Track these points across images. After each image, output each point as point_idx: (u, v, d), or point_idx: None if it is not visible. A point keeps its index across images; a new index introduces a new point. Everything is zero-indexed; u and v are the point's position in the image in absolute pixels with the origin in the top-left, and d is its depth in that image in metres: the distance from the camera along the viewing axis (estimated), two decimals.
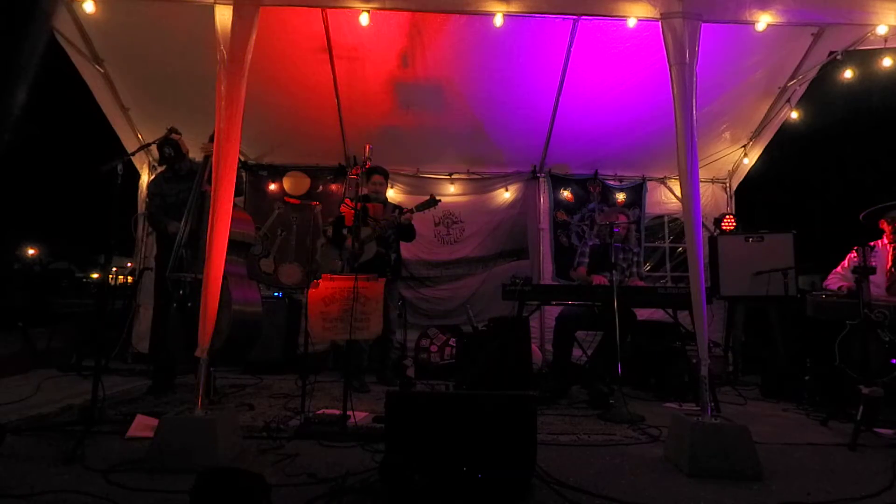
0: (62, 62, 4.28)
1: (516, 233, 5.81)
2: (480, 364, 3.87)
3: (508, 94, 4.94)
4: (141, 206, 5.36)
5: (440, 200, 4.30)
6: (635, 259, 4.25)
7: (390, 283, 4.33)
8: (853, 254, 3.75)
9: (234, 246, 3.16)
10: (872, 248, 3.74)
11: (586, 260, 4.22)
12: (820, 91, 4.78)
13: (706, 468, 2.29)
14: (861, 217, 3.87)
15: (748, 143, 5.49)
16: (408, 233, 4.41)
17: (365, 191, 4.32)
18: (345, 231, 4.09)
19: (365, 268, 4.07)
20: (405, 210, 4.27)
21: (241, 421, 2.93)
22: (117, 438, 2.62)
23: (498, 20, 3.04)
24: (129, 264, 5.83)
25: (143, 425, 2.70)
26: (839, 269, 3.94)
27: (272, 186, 5.76)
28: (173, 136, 3.59)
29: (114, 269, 5.54)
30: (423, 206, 4.21)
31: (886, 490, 2.19)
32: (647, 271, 5.64)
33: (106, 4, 3.71)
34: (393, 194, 5.46)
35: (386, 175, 4.52)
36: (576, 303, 4.02)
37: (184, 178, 3.74)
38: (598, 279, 3.96)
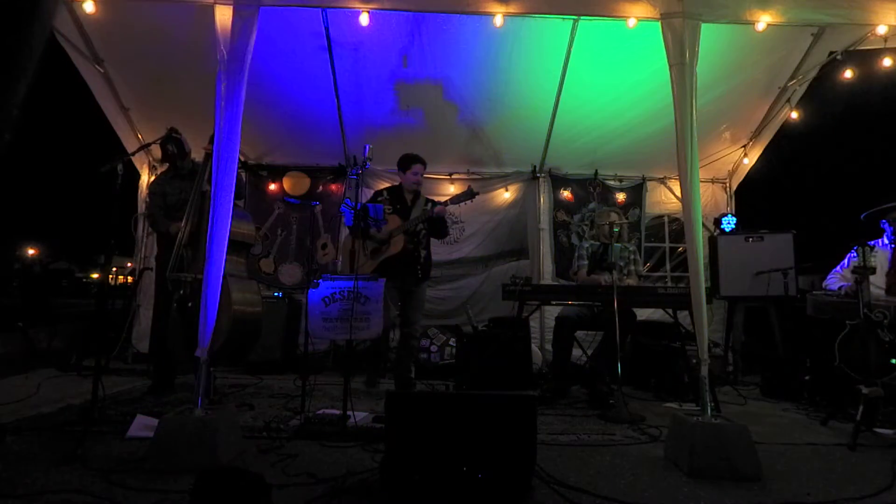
0: (62, 62, 4.27)
1: (516, 233, 5.80)
2: (480, 364, 3.87)
3: (508, 94, 4.93)
4: (141, 206, 5.36)
5: (478, 193, 3.98)
6: (632, 257, 4.25)
7: (419, 282, 4.04)
8: (853, 254, 3.74)
9: (234, 246, 3.16)
10: (872, 248, 3.74)
11: (584, 262, 4.22)
12: (820, 91, 4.77)
13: (706, 468, 2.29)
14: (862, 217, 3.87)
15: (748, 143, 5.49)
16: (440, 228, 4.08)
17: (400, 182, 4.13)
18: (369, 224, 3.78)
19: (391, 263, 3.83)
20: (437, 202, 3.95)
21: (241, 421, 2.93)
22: (117, 438, 2.62)
23: (498, 20, 3.04)
24: (129, 264, 5.83)
25: (143, 425, 2.70)
26: (838, 268, 3.94)
27: (272, 186, 5.75)
28: (174, 135, 3.60)
29: (114, 269, 5.54)
30: (459, 199, 3.89)
31: (886, 490, 2.19)
32: (647, 271, 5.64)
33: (106, 4, 3.70)
34: None
35: (425, 164, 4.16)
36: (576, 303, 4.02)
37: (185, 178, 3.75)
38: (605, 280, 3.96)
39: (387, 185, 4.77)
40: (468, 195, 3.90)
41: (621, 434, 3.00)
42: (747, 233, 4.97)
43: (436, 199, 4.20)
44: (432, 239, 4.21)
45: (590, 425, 3.19)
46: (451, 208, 5.70)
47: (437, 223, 4.05)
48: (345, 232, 5.36)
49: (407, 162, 4.09)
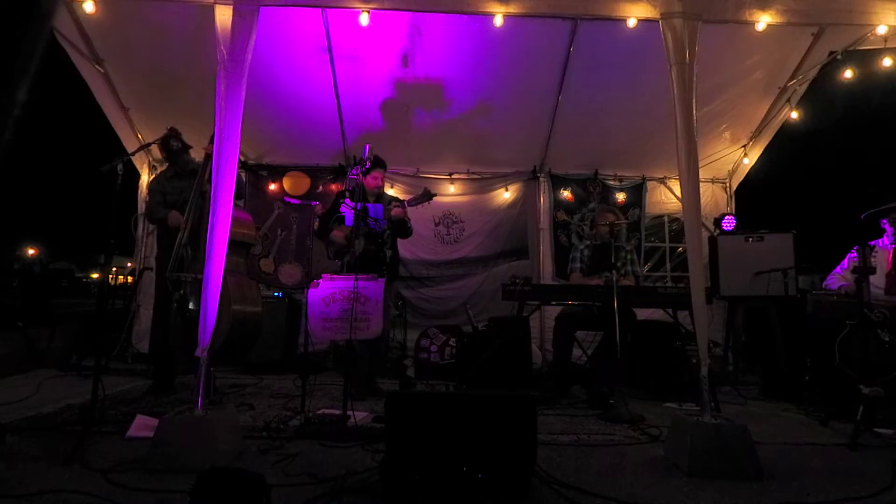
0: (62, 62, 4.27)
1: (516, 233, 5.81)
2: (480, 364, 3.87)
3: (508, 94, 4.94)
4: (141, 206, 5.36)
5: (435, 195, 3.94)
6: (629, 258, 4.24)
7: (387, 282, 3.92)
8: (853, 254, 3.74)
9: (235, 246, 3.17)
10: (873, 248, 3.74)
11: (577, 265, 4.21)
12: (820, 91, 4.77)
13: (706, 468, 2.29)
14: (863, 217, 3.87)
15: (748, 143, 5.49)
16: (402, 229, 3.99)
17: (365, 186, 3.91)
18: (333, 225, 3.85)
19: (355, 265, 3.68)
20: (395, 204, 3.89)
21: (241, 421, 2.93)
22: (117, 438, 2.62)
23: (498, 20, 3.04)
24: (129, 264, 5.83)
25: (143, 425, 2.71)
26: (838, 269, 3.94)
27: (272, 186, 5.76)
28: (174, 135, 3.61)
29: (114, 269, 5.54)
30: (416, 201, 3.82)
31: (886, 490, 2.19)
32: (647, 271, 5.64)
33: (106, 4, 3.71)
34: (393, 194, 5.44)
35: (385, 167, 4.11)
36: (576, 303, 4.02)
37: (185, 178, 3.75)
38: (596, 281, 3.95)
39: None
40: (426, 197, 3.82)
41: (621, 434, 3.00)
42: (747, 233, 4.97)
43: (432, 192, 4.06)
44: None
45: (590, 425, 3.19)
46: (449, 207, 5.77)
47: (398, 225, 3.93)
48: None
49: (366, 171, 3.84)
